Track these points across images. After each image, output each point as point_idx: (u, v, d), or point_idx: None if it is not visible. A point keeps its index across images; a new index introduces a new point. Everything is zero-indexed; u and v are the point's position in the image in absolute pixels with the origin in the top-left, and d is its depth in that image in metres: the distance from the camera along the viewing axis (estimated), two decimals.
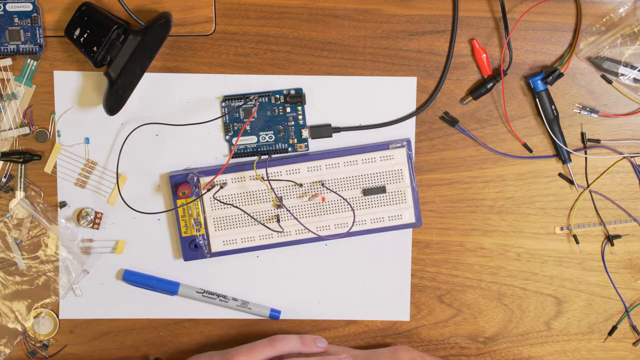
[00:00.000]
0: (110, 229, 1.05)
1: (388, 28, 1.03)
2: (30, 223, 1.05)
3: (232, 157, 1.04)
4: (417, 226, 1.04)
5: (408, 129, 1.04)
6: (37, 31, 1.01)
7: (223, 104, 1.03)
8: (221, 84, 1.03)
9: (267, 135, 1.04)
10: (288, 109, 1.03)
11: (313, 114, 1.04)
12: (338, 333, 1.07)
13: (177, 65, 1.03)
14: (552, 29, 1.03)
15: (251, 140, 1.04)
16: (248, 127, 1.04)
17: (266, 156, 1.04)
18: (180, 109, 1.03)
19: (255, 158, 1.04)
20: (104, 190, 1.05)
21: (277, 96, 1.03)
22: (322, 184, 1.03)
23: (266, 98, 1.03)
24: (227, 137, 1.04)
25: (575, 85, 1.04)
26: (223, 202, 1.03)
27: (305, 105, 1.03)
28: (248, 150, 1.04)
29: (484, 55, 1.03)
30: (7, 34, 1.01)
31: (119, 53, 0.98)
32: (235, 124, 1.04)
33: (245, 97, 1.03)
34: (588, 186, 1.05)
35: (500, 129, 1.05)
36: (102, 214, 1.05)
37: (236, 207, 1.03)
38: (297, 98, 1.03)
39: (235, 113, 1.03)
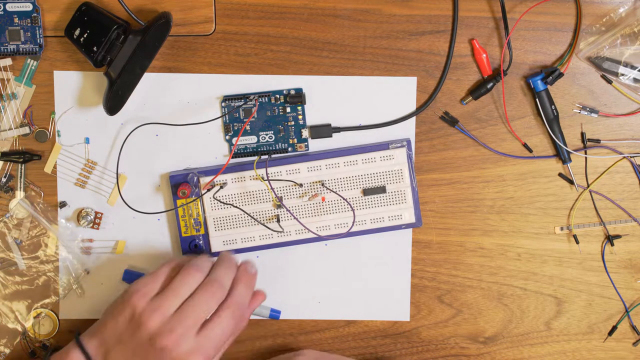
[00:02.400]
0: (110, 229, 1.05)
1: (388, 28, 1.03)
2: (30, 223, 1.05)
3: (232, 157, 1.04)
4: (417, 226, 1.04)
5: (408, 129, 1.04)
6: (37, 31, 1.01)
7: (223, 104, 1.03)
8: (221, 84, 1.03)
9: (267, 135, 1.04)
10: (288, 109, 1.03)
11: (313, 114, 1.04)
12: (338, 333, 1.07)
13: (177, 65, 1.03)
14: (552, 29, 1.03)
15: (251, 140, 1.04)
16: (248, 127, 1.04)
17: (266, 156, 1.04)
18: (180, 109, 1.03)
19: (255, 158, 1.04)
20: (104, 190, 1.05)
21: (277, 96, 1.03)
22: (322, 184, 1.03)
23: (266, 98, 1.03)
24: (227, 137, 1.04)
25: (575, 85, 1.04)
26: (223, 202, 1.03)
27: (305, 105, 1.03)
28: (248, 150, 1.04)
29: (484, 55, 1.03)
30: (7, 34, 1.01)
31: (119, 53, 0.98)
32: (235, 124, 1.04)
33: (245, 97, 1.03)
34: (588, 186, 1.05)
35: (500, 129, 1.05)
36: (102, 214, 1.05)
37: (236, 207, 1.03)
38: (297, 98, 1.03)
39: (235, 113, 1.03)
